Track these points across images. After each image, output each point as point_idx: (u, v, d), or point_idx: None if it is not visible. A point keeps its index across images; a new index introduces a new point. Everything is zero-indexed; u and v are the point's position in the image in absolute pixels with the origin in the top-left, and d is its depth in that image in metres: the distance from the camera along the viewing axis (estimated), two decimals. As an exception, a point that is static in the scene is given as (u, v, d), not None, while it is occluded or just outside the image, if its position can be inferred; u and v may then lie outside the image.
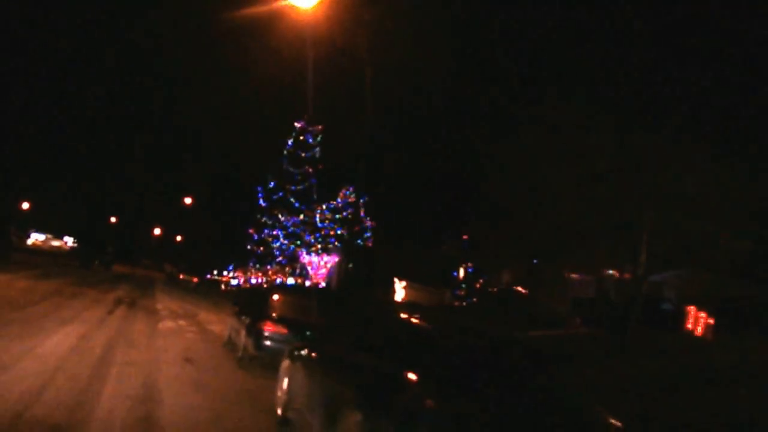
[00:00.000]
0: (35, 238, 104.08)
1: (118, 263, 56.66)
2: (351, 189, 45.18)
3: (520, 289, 25.82)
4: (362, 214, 44.74)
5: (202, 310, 20.45)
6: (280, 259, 47.84)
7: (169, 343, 10.60)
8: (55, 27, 73.33)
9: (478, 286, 26.90)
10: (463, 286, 26.96)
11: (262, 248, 49.36)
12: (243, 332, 9.95)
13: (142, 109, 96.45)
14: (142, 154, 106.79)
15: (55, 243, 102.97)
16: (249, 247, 50.33)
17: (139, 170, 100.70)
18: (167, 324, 13.90)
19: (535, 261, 25.66)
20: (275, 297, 10.46)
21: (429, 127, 36.41)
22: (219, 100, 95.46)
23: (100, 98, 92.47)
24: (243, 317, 10.79)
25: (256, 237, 50.10)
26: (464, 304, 26.79)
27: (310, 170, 50.19)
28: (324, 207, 46.05)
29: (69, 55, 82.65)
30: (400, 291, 30.37)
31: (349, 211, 44.77)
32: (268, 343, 9.22)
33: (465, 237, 27.40)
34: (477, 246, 27.21)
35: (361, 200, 44.68)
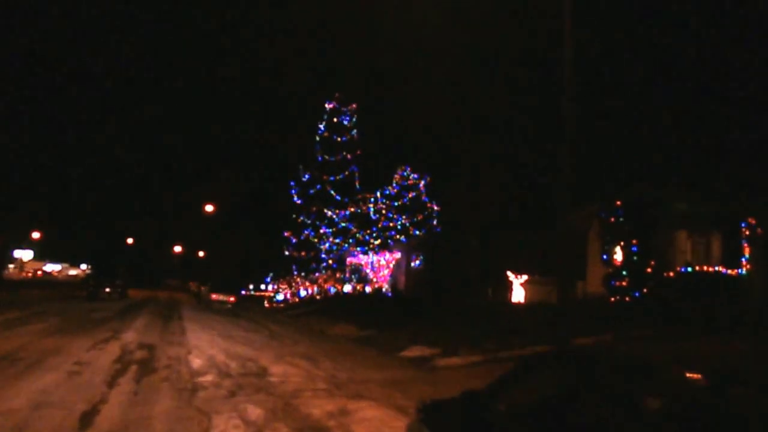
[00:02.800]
0: (52, 268, 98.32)
1: (135, 288, 49.49)
2: (408, 169, 36.77)
3: (722, 269, 17.38)
4: (425, 198, 36.49)
5: (263, 353, 12.35)
6: (329, 262, 39.60)
7: None
8: (58, 59, 66.79)
9: (649, 271, 18.38)
10: (624, 273, 18.45)
11: (303, 252, 41.21)
12: None
13: (154, 123, 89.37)
14: (155, 167, 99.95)
15: (72, 272, 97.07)
16: (287, 252, 42.22)
17: (153, 185, 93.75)
18: (227, 429, 5.78)
19: (743, 224, 17.21)
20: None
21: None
22: (236, 88, 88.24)
23: (110, 112, 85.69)
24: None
25: (294, 240, 42.01)
26: (627, 299, 18.25)
27: (349, 156, 41.92)
28: (378, 195, 37.63)
29: (85, 78, 76.20)
30: (518, 289, 22.10)
31: (410, 195, 36.38)
32: None
33: (618, 203, 18.82)
34: (643, 212, 18.63)
35: (423, 181, 36.51)
